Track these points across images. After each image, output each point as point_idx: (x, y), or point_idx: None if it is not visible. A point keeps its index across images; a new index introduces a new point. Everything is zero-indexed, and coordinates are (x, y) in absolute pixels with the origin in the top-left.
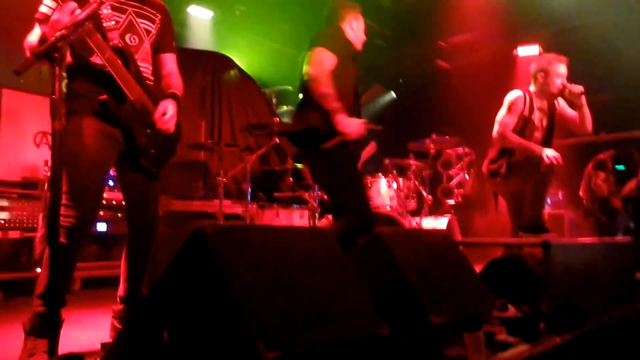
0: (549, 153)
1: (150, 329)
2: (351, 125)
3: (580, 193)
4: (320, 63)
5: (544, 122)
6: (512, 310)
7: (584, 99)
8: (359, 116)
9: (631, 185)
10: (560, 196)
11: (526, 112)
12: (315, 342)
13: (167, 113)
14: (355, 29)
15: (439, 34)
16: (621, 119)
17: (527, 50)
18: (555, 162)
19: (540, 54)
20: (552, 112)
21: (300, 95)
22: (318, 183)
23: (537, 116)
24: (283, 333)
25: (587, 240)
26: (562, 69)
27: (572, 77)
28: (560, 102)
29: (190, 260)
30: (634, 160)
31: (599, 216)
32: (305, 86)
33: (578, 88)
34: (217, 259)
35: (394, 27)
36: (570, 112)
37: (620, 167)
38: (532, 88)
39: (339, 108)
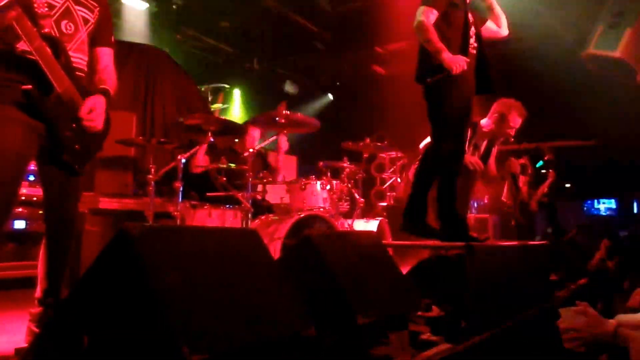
0: (471, 160)
1: (69, 333)
2: (453, 61)
3: (503, 197)
4: (421, 17)
5: (476, 156)
6: (435, 310)
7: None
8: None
9: (543, 188)
10: (485, 200)
11: None
12: (241, 344)
13: (94, 110)
14: None
15: (376, 40)
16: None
17: None
18: (477, 168)
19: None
20: (487, 152)
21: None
22: (430, 119)
23: (470, 150)
24: (209, 335)
25: (507, 243)
26: (518, 122)
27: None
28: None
29: (114, 262)
30: (544, 156)
31: (518, 218)
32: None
33: None
34: (141, 261)
35: (333, 31)
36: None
37: (540, 163)
38: (483, 121)
39: (441, 48)
